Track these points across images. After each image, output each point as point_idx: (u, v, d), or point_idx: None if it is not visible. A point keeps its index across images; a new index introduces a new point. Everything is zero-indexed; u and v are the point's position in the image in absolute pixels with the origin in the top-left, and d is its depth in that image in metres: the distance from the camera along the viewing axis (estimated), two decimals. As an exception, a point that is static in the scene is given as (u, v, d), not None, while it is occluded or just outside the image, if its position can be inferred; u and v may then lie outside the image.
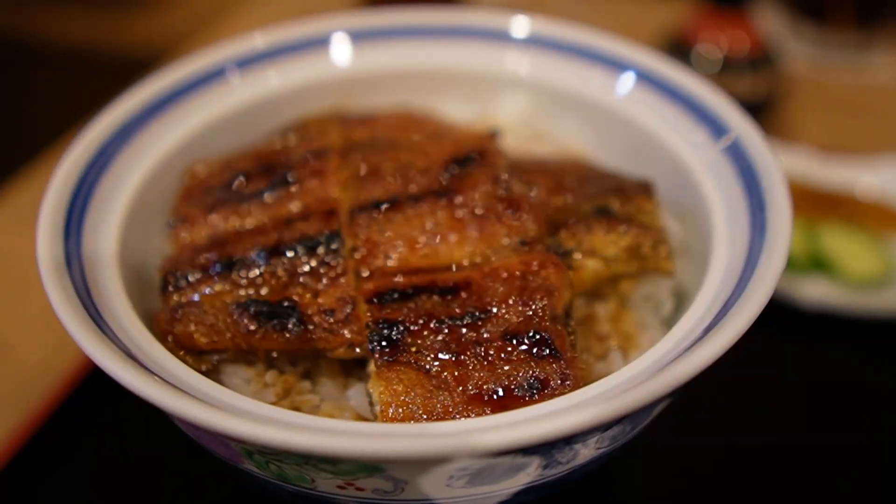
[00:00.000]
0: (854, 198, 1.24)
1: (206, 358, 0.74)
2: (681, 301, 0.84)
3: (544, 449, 0.63)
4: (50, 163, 1.40)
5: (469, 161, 0.80)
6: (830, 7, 1.59)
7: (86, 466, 0.96)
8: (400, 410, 0.68)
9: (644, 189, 0.83)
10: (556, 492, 0.75)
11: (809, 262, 1.15)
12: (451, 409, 0.67)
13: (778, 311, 1.11)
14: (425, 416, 0.67)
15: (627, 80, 0.95)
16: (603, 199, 0.81)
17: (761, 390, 1.05)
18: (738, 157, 0.83)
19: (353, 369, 0.76)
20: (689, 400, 1.01)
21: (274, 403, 0.72)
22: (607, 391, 0.65)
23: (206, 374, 0.75)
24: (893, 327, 1.09)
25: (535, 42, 0.99)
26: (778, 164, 0.79)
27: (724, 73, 1.38)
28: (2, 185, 1.39)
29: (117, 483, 0.94)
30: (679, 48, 1.40)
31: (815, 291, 1.11)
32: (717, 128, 0.87)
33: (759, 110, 1.41)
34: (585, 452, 0.68)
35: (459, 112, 1.02)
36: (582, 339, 0.77)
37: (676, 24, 1.47)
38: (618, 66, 0.96)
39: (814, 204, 1.23)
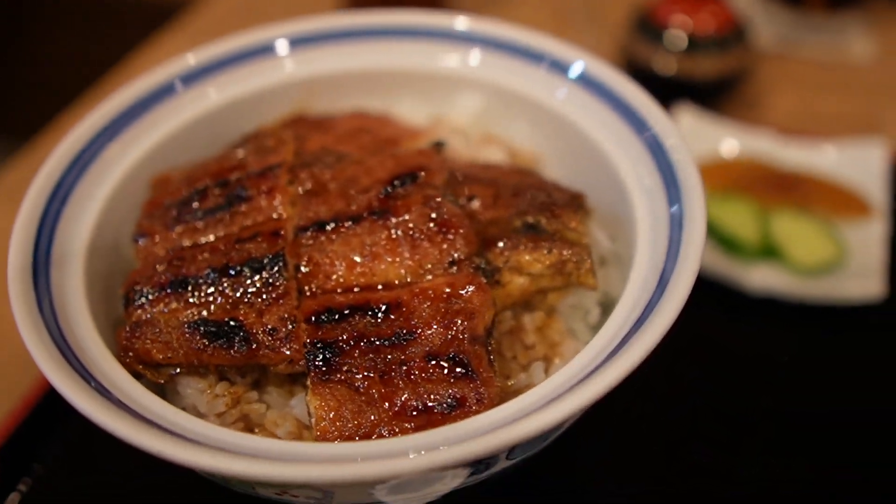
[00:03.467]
0: (810, 181, 1.27)
1: (164, 371, 0.81)
2: (608, 308, 0.90)
3: (453, 468, 0.69)
4: (44, 143, 1.47)
5: (405, 181, 0.85)
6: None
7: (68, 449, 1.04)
8: (333, 424, 0.75)
9: (573, 204, 0.88)
10: (484, 488, 0.83)
11: (761, 248, 1.19)
12: (378, 424, 0.74)
13: (727, 296, 1.18)
14: (356, 429, 0.75)
15: (568, 82, 0.98)
16: (532, 214, 0.86)
17: (705, 371, 1.10)
18: (669, 175, 0.87)
19: (299, 378, 0.83)
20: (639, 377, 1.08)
21: (224, 412, 0.80)
22: (518, 411, 0.71)
23: (164, 384, 0.83)
24: (840, 312, 1.14)
25: (482, 42, 1.03)
26: (700, 185, 0.83)
27: (691, 52, 1.39)
28: (24, 143, 1.47)
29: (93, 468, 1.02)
30: (649, 27, 1.42)
31: (763, 277, 1.16)
32: (655, 144, 0.90)
33: (725, 88, 1.43)
34: (502, 464, 0.75)
35: (415, 113, 1.07)
36: (508, 349, 0.84)
37: (647, 3, 1.48)
38: (559, 67, 0.99)
39: (770, 187, 1.26)
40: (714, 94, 1.44)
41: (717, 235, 1.20)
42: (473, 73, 1.04)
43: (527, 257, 0.83)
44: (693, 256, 0.77)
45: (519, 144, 1.04)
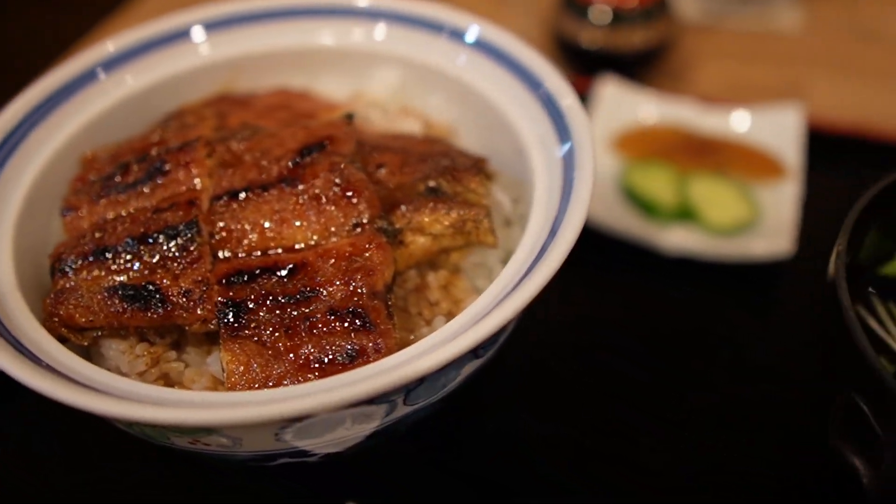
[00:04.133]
0: (727, 146, 1.32)
1: (88, 334, 0.86)
2: (510, 266, 0.95)
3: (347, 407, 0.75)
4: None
5: (313, 150, 0.90)
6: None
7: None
8: (243, 377, 0.80)
9: (474, 168, 0.93)
10: (395, 435, 0.88)
11: (678, 210, 1.25)
12: (284, 376, 0.79)
13: (642, 257, 1.23)
14: (264, 381, 0.80)
15: (467, 49, 1.04)
16: (434, 179, 0.91)
17: (619, 329, 1.16)
18: (561, 128, 0.92)
19: (216, 337, 0.88)
20: (550, 333, 1.13)
21: (144, 371, 0.85)
22: (411, 356, 0.77)
23: (89, 347, 0.88)
24: (751, 271, 1.20)
25: (386, 17, 1.09)
26: (589, 135, 0.89)
27: (616, 26, 1.44)
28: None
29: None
30: (574, 3, 1.47)
31: (679, 239, 1.21)
32: (548, 100, 0.96)
33: (651, 60, 1.48)
34: (402, 409, 0.80)
35: (336, 89, 1.12)
36: (414, 305, 0.89)
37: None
38: (457, 35, 1.05)
39: (689, 153, 1.32)
40: (640, 66, 1.49)
41: (636, 200, 1.26)
42: (387, 48, 1.09)
43: (426, 218, 0.88)
44: (580, 204, 0.82)
45: (436, 116, 1.09)
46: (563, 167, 0.89)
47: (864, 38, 1.68)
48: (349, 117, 0.96)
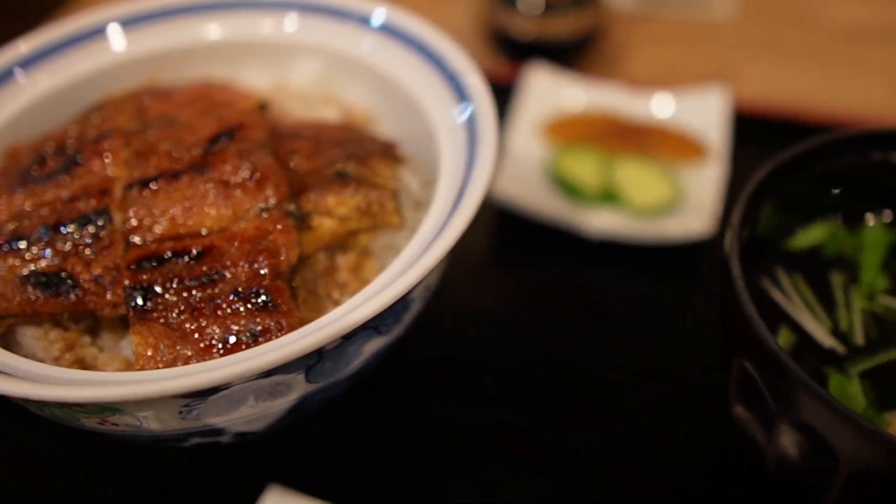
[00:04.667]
0: (653, 129, 1.35)
1: (2, 322, 0.88)
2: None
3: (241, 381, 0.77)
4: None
5: (223, 137, 0.92)
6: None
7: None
8: (151, 358, 0.82)
9: (383, 152, 0.95)
10: (308, 414, 0.91)
11: (603, 193, 1.27)
12: (191, 357, 0.82)
13: (573, 244, 1.26)
14: (171, 363, 0.82)
15: (376, 34, 1.07)
16: (342, 163, 0.93)
17: (542, 308, 1.19)
18: (467, 111, 0.95)
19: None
20: (470, 312, 1.15)
21: (59, 357, 0.87)
22: (307, 332, 0.79)
23: (6, 336, 0.90)
24: (674, 252, 1.23)
25: (297, 7, 1.11)
26: (492, 123, 0.91)
27: (547, 15, 1.47)
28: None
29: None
30: (505, -7, 1.50)
31: (603, 221, 1.24)
32: (460, 92, 0.98)
33: (582, 48, 1.51)
34: (303, 387, 0.83)
35: (260, 80, 1.14)
36: (323, 287, 0.91)
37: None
38: (365, 21, 1.08)
39: (616, 137, 1.34)
40: (573, 54, 1.52)
41: (562, 184, 1.28)
42: (305, 39, 1.11)
43: (332, 200, 0.90)
44: (481, 178, 0.85)
45: (356, 103, 1.11)
46: (467, 145, 0.91)
47: (798, 23, 1.72)
48: (262, 106, 0.99)
